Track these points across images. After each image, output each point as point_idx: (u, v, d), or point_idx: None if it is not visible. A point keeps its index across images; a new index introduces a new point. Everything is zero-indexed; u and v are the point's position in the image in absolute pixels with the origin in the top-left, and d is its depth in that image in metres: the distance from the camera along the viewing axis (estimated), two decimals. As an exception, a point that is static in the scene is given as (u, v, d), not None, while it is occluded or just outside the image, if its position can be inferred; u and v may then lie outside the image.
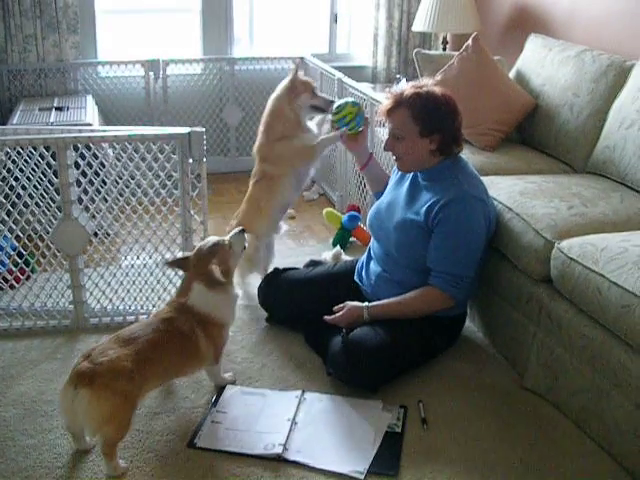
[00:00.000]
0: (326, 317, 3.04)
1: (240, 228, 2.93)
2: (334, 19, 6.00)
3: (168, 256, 3.30)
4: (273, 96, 3.65)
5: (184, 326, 2.69)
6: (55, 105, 4.80)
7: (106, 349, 2.47)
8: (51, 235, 3.25)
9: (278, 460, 2.55)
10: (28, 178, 3.27)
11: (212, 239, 2.82)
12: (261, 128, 3.67)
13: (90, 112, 4.72)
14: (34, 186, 3.28)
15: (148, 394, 2.67)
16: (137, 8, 5.68)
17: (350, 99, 3.47)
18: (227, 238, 2.84)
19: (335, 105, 3.42)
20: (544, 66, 4.11)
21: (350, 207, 4.47)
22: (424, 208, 2.94)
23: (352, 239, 4.38)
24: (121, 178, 3.30)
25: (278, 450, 2.57)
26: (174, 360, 2.67)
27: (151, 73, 5.41)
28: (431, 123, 2.93)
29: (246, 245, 2.95)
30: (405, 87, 3.02)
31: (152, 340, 2.57)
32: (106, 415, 2.37)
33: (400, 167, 3.12)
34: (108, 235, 3.57)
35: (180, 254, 3.00)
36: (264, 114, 3.67)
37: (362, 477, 2.48)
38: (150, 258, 3.44)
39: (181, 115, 5.52)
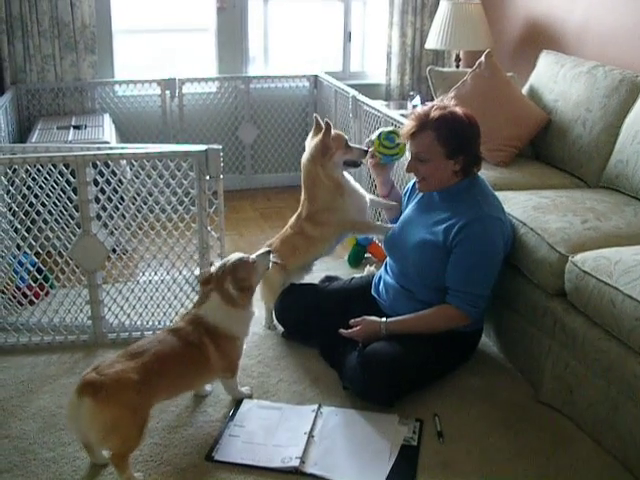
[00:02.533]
0: (342, 331, 3.06)
1: (267, 249, 2.96)
2: (348, 37, 6.04)
3: (198, 272, 3.34)
4: (305, 159, 3.40)
5: (191, 336, 2.71)
6: (73, 124, 4.86)
7: (114, 362, 2.50)
8: (70, 251, 3.29)
9: (295, 473, 2.57)
10: (47, 195, 3.32)
11: (237, 255, 2.85)
12: (304, 196, 3.46)
13: (107, 130, 4.78)
14: (53, 203, 3.34)
15: (158, 405, 2.67)
16: (153, 28, 5.73)
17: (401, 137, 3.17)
18: (253, 256, 2.86)
19: (390, 135, 3.27)
20: (556, 82, 4.14)
21: (365, 223, 4.49)
22: (442, 228, 2.96)
23: (367, 255, 4.40)
24: (139, 195, 3.34)
25: (295, 463, 2.59)
26: (182, 371, 2.68)
27: (167, 92, 5.47)
28: (457, 145, 2.95)
29: (270, 266, 2.95)
30: (426, 109, 3.01)
31: (159, 352, 2.59)
32: (109, 426, 2.40)
33: (422, 188, 3.11)
34: (126, 252, 3.61)
35: (212, 268, 2.99)
36: (302, 180, 3.44)
37: (378, 490, 2.49)
38: (167, 274, 3.48)
39: (197, 133, 5.56)
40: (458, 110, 2.98)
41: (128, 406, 2.42)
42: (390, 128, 3.38)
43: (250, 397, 3.02)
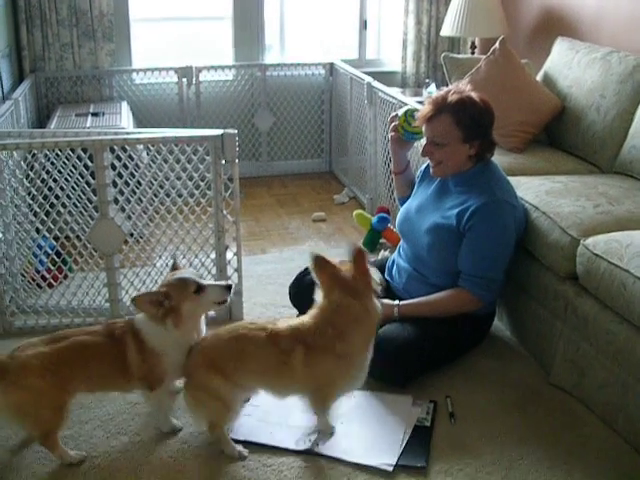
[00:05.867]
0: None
1: (229, 283, 2.66)
2: (363, 25, 6.06)
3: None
4: (347, 299, 2.57)
5: (117, 332, 2.58)
6: (91, 111, 4.92)
7: (31, 345, 2.51)
8: (88, 235, 3.35)
9: (309, 454, 2.61)
10: (66, 179, 3.38)
11: (187, 273, 2.65)
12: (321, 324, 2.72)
13: (125, 117, 4.83)
14: (72, 187, 3.39)
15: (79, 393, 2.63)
16: (170, 16, 5.78)
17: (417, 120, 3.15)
18: (204, 282, 2.62)
19: (414, 111, 3.25)
20: (571, 68, 4.14)
21: (380, 209, 4.51)
22: (455, 212, 2.99)
23: (382, 240, 4.42)
24: (156, 179, 3.39)
25: (308, 444, 2.63)
26: (99, 368, 2.57)
27: (184, 79, 5.51)
28: (474, 129, 2.97)
29: (227, 300, 2.62)
30: (443, 93, 3.03)
31: (77, 342, 2.53)
32: (15, 409, 2.44)
33: (436, 172, 3.12)
34: (143, 236, 3.66)
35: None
36: (339, 316, 2.59)
37: (391, 469, 2.53)
38: (184, 257, 3.52)
39: (213, 120, 5.59)
40: (473, 94, 3.01)
41: (31, 390, 2.42)
42: (418, 107, 3.40)
43: (175, 431, 2.74)
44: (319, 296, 2.61)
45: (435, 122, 3.00)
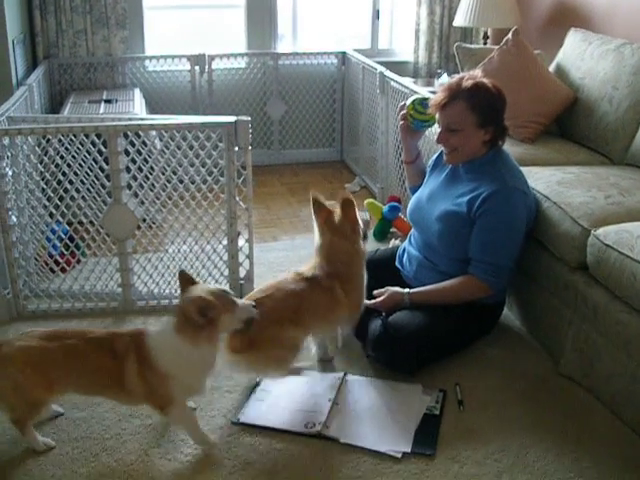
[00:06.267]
0: (366, 301, 3.10)
1: (253, 302, 2.60)
2: (376, 15, 6.07)
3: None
4: (337, 240, 2.96)
5: (118, 344, 2.47)
6: (104, 98, 4.95)
7: (30, 336, 2.51)
8: (101, 220, 3.37)
9: (318, 437, 2.63)
10: (80, 165, 3.40)
11: (220, 287, 2.54)
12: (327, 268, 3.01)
13: (138, 104, 4.86)
14: (85, 173, 3.42)
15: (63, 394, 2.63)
16: (183, 4, 5.82)
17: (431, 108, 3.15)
18: (241, 300, 2.57)
19: (425, 102, 3.25)
20: (584, 59, 4.14)
21: (390, 198, 4.54)
22: (466, 199, 3.00)
23: (393, 229, 4.44)
24: (169, 166, 3.41)
25: (318, 428, 2.65)
26: (89, 376, 2.50)
27: (197, 67, 5.54)
28: (489, 114, 2.99)
29: (252, 315, 2.53)
30: (456, 79, 3.04)
31: (70, 346, 2.47)
32: None
33: (451, 160, 3.13)
34: (155, 221, 3.67)
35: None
36: (336, 257, 2.98)
37: (399, 456, 2.55)
38: (196, 244, 3.55)
39: (225, 108, 5.60)
40: (486, 80, 3.02)
41: (10, 379, 2.43)
42: (427, 95, 3.40)
43: (212, 446, 2.61)
44: (316, 236, 3.00)
45: (450, 108, 3.00)
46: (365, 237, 3.06)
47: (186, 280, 2.50)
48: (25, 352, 2.45)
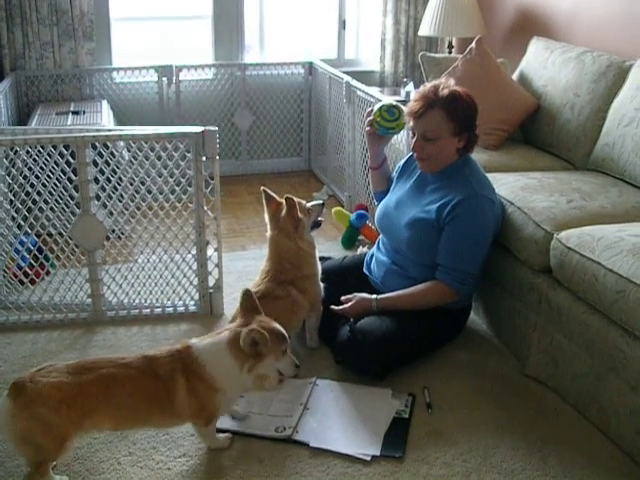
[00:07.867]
0: (334, 307, 3.14)
1: (298, 363, 2.56)
2: (342, 25, 6.12)
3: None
4: (278, 237, 3.20)
5: (162, 368, 2.41)
6: (72, 109, 4.93)
7: (54, 371, 2.34)
8: (70, 230, 3.38)
9: (289, 441, 2.65)
10: (48, 176, 3.40)
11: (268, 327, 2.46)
12: (273, 266, 3.25)
13: (105, 116, 4.85)
14: (54, 184, 3.41)
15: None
16: (150, 15, 5.81)
17: (404, 109, 3.26)
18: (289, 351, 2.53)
19: (392, 110, 3.30)
20: (546, 67, 4.21)
21: (358, 206, 4.58)
22: (436, 206, 3.04)
23: (360, 237, 4.48)
24: (137, 176, 3.42)
25: (288, 432, 2.68)
26: (134, 404, 2.41)
27: (164, 78, 5.54)
28: (465, 122, 3.03)
29: (292, 376, 2.58)
30: (431, 88, 3.05)
31: (107, 376, 2.36)
32: (19, 434, 2.29)
33: (425, 167, 3.15)
34: (123, 233, 3.68)
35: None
36: (279, 255, 3.22)
37: (369, 459, 2.58)
38: (165, 253, 3.56)
39: (193, 119, 5.60)
40: (459, 89, 3.07)
41: (42, 421, 2.27)
42: (394, 103, 3.41)
43: (224, 447, 2.65)
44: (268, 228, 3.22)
45: (426, 117, 3.02)
46: (318, 225, 3.30)
47: (250, 303, 2.54)
48: (58, 389, 2.29)
